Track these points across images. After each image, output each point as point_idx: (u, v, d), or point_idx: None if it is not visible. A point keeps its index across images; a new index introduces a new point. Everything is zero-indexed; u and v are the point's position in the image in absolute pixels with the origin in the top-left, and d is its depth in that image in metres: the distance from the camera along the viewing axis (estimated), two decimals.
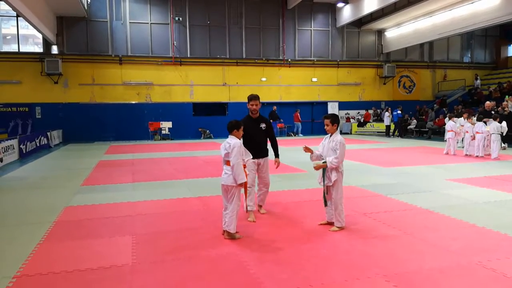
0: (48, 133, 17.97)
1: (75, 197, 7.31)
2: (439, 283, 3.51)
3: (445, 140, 13.40)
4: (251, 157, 5.27)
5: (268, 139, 6.01)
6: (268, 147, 5.98)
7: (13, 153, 13.12)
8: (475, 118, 13.10)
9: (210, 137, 22.19)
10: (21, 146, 13.91)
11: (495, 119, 12.04)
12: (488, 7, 17.91)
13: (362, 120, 24.55)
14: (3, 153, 12.03)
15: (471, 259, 4.01)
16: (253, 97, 5.83)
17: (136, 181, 8.86)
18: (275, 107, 22.90)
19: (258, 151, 5.73)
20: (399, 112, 21.26)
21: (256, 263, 4.00)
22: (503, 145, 12.44)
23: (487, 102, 16.01)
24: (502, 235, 4.77)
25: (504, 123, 12.22)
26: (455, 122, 13.27)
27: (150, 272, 3.84)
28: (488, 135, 12.04)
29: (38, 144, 16.17)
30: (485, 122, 12.19)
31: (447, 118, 17.84)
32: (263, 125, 5.89)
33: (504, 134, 12.33)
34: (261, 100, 6.06)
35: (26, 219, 5.88)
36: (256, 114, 5.87)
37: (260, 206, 6.06)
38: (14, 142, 13.40)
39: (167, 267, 3.96)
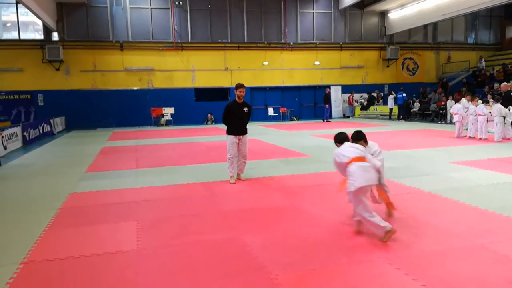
0: (51, 120, 18.00)
1: (80, 183, 7.36)
2: (442, 265, 3.53)
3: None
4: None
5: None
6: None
7: (17, 141, 13.17)
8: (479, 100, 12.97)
9: (213, 122, 22.18)
10: (25, 133, 13.95)
11: (497, 101, 11.95)
12: None
13: (365, 104, 24.41)
14: (7, 140, 12.08)
15: (473, 242, 4.03)
16: (241, 85, 6.94)
17: (140, 167, 8.90)
18: (328, 90, 22.87)
19: (240, 129, 6.99)
20: (404, 94, 20.98)
21: (260, 247, 4.03)
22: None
23: (503, 84, 15.46)
24: (504, 217, 4.77)
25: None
26: (462, 105, 13.15)
27: (155, 257, 3.88)
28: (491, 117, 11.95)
29: (41, 132, 16.21)
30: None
31: (449, 100, 17.70)
32: (245, 109, 7.03)
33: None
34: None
35: (31, 206, 5.94)
36: (241, 99, 7.03)
37: (239, 174, 7.16)
38: (17, 129, 13.44)
39: (172, 252, 4.00)
